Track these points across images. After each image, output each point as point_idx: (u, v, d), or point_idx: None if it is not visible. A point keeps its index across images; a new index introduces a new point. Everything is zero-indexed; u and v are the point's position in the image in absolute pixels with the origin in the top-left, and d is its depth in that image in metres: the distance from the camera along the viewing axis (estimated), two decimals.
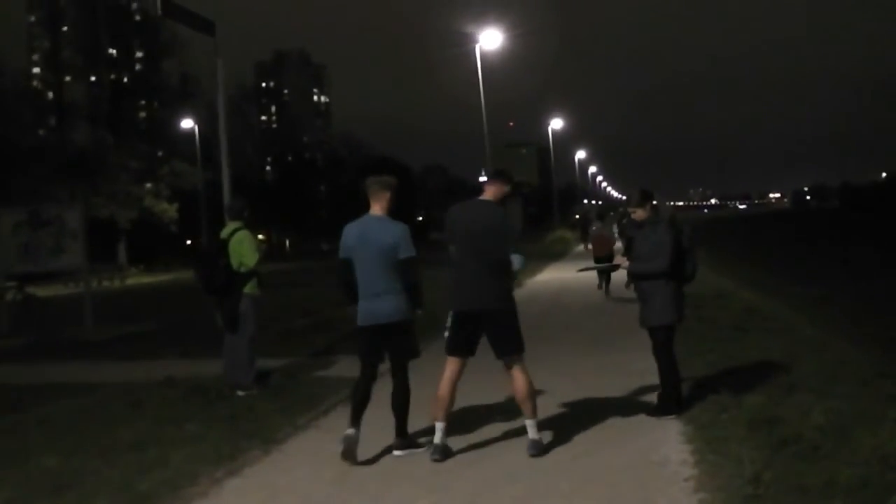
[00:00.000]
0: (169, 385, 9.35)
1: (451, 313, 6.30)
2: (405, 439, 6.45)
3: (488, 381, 7.84)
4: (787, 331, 11.42)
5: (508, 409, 7.25)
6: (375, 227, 6.39)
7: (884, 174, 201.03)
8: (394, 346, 6.42)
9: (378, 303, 6.27)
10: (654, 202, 7.51)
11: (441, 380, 6.26)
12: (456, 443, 6.51)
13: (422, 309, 6.58)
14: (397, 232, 6.34)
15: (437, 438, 6.18)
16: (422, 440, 6.56)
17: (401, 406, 6.41)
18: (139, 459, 6.34)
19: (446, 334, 6.29)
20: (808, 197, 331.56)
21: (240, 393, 8.71)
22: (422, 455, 6.32)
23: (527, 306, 17.01)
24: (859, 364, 9.07)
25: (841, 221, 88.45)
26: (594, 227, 19.94)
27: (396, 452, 6.39)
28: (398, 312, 6.30)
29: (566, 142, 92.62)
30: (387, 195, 6.47)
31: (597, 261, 18.03)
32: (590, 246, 20.13)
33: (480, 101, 31.25)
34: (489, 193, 6.51)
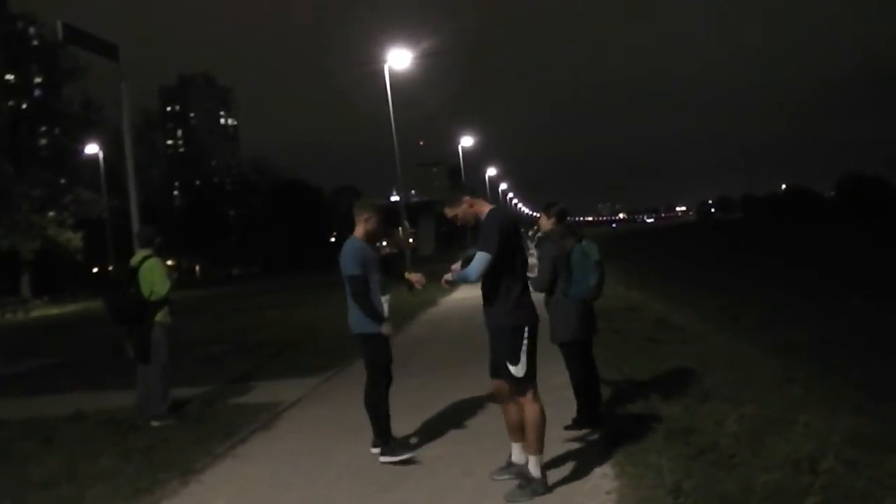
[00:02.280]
0: (80, 419, 9.09)
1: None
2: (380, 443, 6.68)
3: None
4: (698, 340, 11.69)
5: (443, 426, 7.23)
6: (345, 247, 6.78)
7: (783, 185, 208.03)
8: (362, 356, 6.86)
9: (349, 315, 6.75)
10: (558, 216, 7.56)
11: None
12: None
13: (381, 325, 6.66)
14: (343, 252, 6.72)
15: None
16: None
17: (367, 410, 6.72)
18: (52, 498, 6.14)
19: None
20: (713, 209, 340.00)
21: (154, 423, 8.52)
22: (357, 476, 6.28)
23: (443, 325, 17.12)
24: (768, 370, 9.36)
25: (744, 232, 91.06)
26: None
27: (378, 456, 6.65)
28: (354, 326, 6.71)
29: (477, 159, 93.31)
30: (362, 217, 6.79)
31: None
32: None
33: (391, 121, 31.21)
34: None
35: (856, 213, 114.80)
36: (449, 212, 5.91)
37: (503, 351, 5.59)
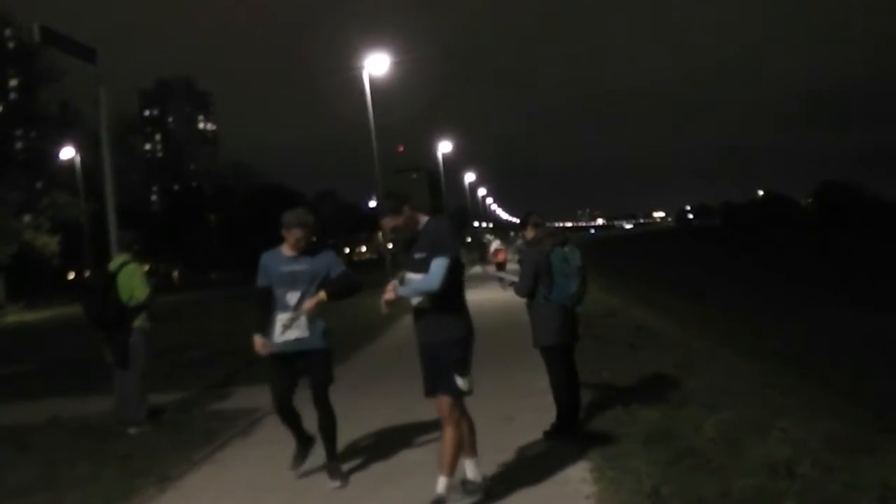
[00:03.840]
0: (56, 425, 9.01)
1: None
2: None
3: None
4: (677, 346, 11.76)
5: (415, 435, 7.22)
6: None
7: (760, 192, 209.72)
8: None
9: None
10: (536, 224, 7.60)
11: None
12: (365, 468, 6.47)
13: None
14: None
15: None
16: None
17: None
18: None
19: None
20: (691, 216, 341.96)
21: (132, 430, 8.46)
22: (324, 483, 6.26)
23: None
24: (747, 375, 9.43)
25: (723, 238, 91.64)
26: (494, 245, 30.98)
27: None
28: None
29: (457, 165, 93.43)
30: (285, 229, 6.38)
31: (498, 266, 27.93)
32: (492, 259, 31.04)
33: (370, 126, 31.20)
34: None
35: (832, 221, 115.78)
36: (389, 222, 5.47)
37: (452, 364, 5.34)
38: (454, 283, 5.35)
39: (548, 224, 7.82)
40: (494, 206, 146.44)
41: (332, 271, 6.27)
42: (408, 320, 19.39)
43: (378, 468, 6.60)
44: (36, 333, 30.11)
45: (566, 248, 7.34)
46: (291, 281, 6.21)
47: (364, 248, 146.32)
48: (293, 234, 6.28)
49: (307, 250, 6.32)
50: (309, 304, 6.13)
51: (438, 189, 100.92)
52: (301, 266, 6.24)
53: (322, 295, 6.14)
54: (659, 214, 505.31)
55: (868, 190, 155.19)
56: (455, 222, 5.68)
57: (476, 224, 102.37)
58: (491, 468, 6.31)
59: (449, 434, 5.37)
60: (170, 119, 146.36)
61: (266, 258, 6.42)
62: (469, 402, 8.86)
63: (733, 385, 8.54)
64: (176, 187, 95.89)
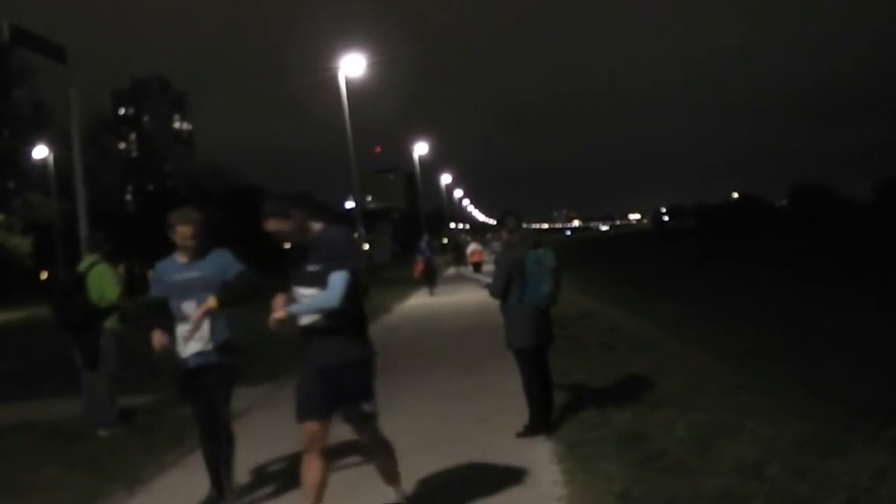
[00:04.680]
0: (25, 428, 8.91)
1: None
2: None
3: None
4: (651, 347, 11.81)
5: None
6: None
7: (735, 194, 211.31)
8: None
9: None
10: (511, 228, 7.60)
11: None
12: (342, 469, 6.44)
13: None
14: None
15: None
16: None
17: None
18: None
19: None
20: (666, 217, 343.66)
21: (101, 433, 8.38)
22: None
23: (397, 332, 17.08)
24: (719, 377, 9.47)
25: (698, 239, 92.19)
26: (471, 247, 34.91)
27: None
28: None
29: (433, 166, 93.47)
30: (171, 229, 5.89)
31: (475, 267, 34.66)
32: (468, 260, 36.24)
33: (346, 127, 31.14)
34: None
35: (805, 223, 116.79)
36: (274, 224, 4.94)
37: (355, 387, 4.90)
38: (356, 301, 4.90)
39: (524, 225, 7.84)
40: (471, 208, 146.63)
41: (227, 273, 5.69)
42: (381, 322, 19.31)
43: (354, 469, 6.57)
44: (7, 335, 29.77)
45: (540, 250, 7.36)
46: (185, 290, 5.67)
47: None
48: (178, 234, 5.72)
49: (201, 253, 5.78)
50: (197, 313, 5.57)
51: (415, 190, 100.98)
52: (194, 273, 5.70)
53: (211, 302, 5.56)
54: (635, 216, 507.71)
55: (839, 192, 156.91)
56: (351, 230, 5.00)
57: (452, 225, 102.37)
58: (463, 470, 6.31)
59: (309, 465, 4.89)
60: (145, 118, 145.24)
61: (159, 267, 5.95)
62: (442, 404, 8.91)
63: (706, 386, 8.58)
64: (151, 187, 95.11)
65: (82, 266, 8.76)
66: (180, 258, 5.81)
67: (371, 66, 32.51)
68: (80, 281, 8.56)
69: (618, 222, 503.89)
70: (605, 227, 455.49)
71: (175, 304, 5.70)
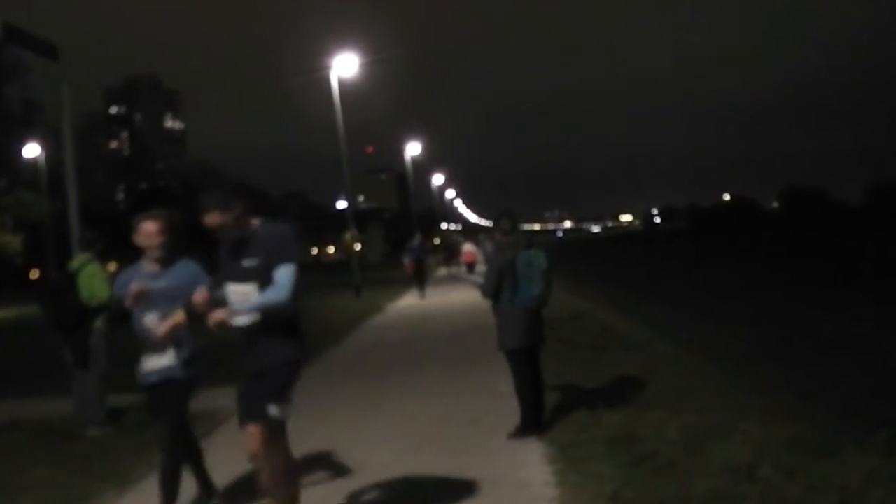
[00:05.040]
0: (14, 427, 8.86)
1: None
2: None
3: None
4: (642, 348, 11.82)
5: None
6: None
7: (727, 195, 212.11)
8: None
9: None
10: (505, 230, 7.59)
11: None
12: (330, 470, 6.42)
13: None
14: None
15: None
16: None
17: None
18: None
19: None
20: (658, 219, 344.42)
21: (91, 432, 8.33)
22: None
23: (390, 332, 17.07)
24: (711, 378, 9.48)
25: (691, 241, 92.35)
26: (465, 247, 37.65)
27: None
28: None
29: (425, 167, 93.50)
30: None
31: (468, 267, 36.74)
32: (461, 260, 38.90)
33: (339, 127, 31.05)
34: None
35: (797, 224, 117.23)
36: (212, 217, 4.65)
37: (271, 388, 4.61)
38: (297, 299, 4.65)
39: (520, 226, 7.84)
40: (463, 208, 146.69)
41: (195, 287, 5.08)
42: (373, 322, 19.28)
43: (341, 471, 6.55)
44: None
45: (531, 251, 7.36)
46: (149, 301, 5.27)
47: (332, 250, 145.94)
48: (142, 234, 5.34)
49: (169, 261, 5.44)
50: (163, 328, 5.18)
51: (407, 190, 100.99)
52: (161, 283, 5.33)
53: (178, 317, 5.16)
54: (626, 218, 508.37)
55: (831, 194, 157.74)
56: (293, 226, 4.69)
57: (444, 225, 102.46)
58: (455, 470, 6.30)
59: (269, 464, 4.69)
60: (137, 117, 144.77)
61: (123, 274, 5.54)
62: (435, 405, 8.88)
63: (697, 388, 8.59)
64: (142, 186, 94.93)
65: (74, 265, 8.71)
66: (148, 266, 5.43)
67: (364, 65, 32.39)
68: (71, 280, 8.51)
69: (609, 224, 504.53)
70: (596, 229, 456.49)
71: (138, 316, 5.36)
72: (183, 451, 5.57)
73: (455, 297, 25.54)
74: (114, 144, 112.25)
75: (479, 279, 7.95)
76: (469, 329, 15.64)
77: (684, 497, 5.06)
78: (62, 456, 7.42)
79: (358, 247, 34.41)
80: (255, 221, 4.75)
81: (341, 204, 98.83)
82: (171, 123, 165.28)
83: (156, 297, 5.27)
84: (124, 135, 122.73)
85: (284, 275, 4.53)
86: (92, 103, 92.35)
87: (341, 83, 31.30)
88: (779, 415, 7.57)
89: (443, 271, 42.78)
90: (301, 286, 4.62)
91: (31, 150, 57.18)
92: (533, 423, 7.23)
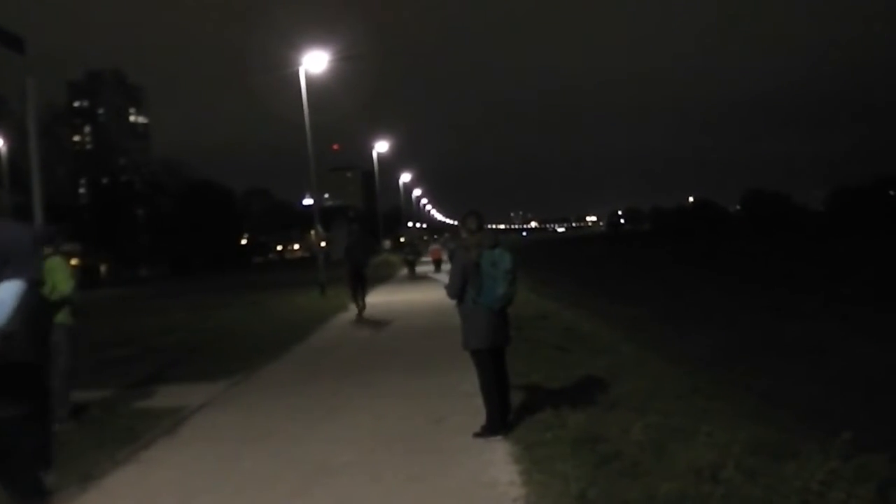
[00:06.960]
0: None
1: None
2: None
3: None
4: (607, 349, 11.88)
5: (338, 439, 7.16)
6: None
7: (691, 198, 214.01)
8: None
9: None
10: (471, 229, 7.59)
11: None
12: (294, 468, 6.39)
13: None
14: None
15: None
16: None
17: None
18: None
19: None
20: (622, 220, 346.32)
21: (54, 428, 8.23)
22: (263, 482, 6.17)
23: (354, 331, 17.03)
24: (675, 380, 9.56)
25: (653, 243, 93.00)
26: (432, 245, 38.36)
27: None
28: None
29: (392, 165, 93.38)
30: None
31: (435, 265, 38.46)
32: (430, 256, 41.27)
33: (305, 124, 30.85)
34: None
35: (757, 227, 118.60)
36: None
37: (33, 452, 3.80)
38: (36, 326, 3.68)
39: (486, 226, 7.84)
40: (429, 207, 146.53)
41: None
42: (338, 321, 19.17)
43: (307, 468, 6.53)
44: None
45: (496, 251, 7.36)
46: None
47: (297, 247, 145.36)
48: None
49: None
50: None
51: (373, 188, 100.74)
52: None
53: None
54: (591, 219, 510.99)
55: (792, 199, 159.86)
56: (33, 229, 4.41)
57: (410, 224, 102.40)
58: (421, 469, 6.30)
59: None
60: (100, 111, 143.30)
61: None
62: (401, 404, 8.87)
63: (661, 389, 8.66)
64: (105, 181, 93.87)
65: None
66: None
67: (333, 62, 32.16)
68: None
69: (574, 224, 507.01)
70: (561, 229, 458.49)
71: None
72: None
73: (420, 295, 25.54)
74: (76, 138, 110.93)
75: (445, 278, 7.92)
76: (435, 328, 15.64)
77: (649, 497, 5.10)
78: None
79: (323, 244, 34.25)
80: None
81: (307, 201, 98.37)
82: (134, 118, 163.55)
83: None
84: (87, 129, 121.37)
85: (6, 292, 3.48)
86: (55, 96, 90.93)
87: (309, 80, 31.11)
88: (741, 417, 7.66)
89: (404, 272, 42.38)
90: (34, 310, 3.55)
91: None
92: (499, 422, 7.24)
